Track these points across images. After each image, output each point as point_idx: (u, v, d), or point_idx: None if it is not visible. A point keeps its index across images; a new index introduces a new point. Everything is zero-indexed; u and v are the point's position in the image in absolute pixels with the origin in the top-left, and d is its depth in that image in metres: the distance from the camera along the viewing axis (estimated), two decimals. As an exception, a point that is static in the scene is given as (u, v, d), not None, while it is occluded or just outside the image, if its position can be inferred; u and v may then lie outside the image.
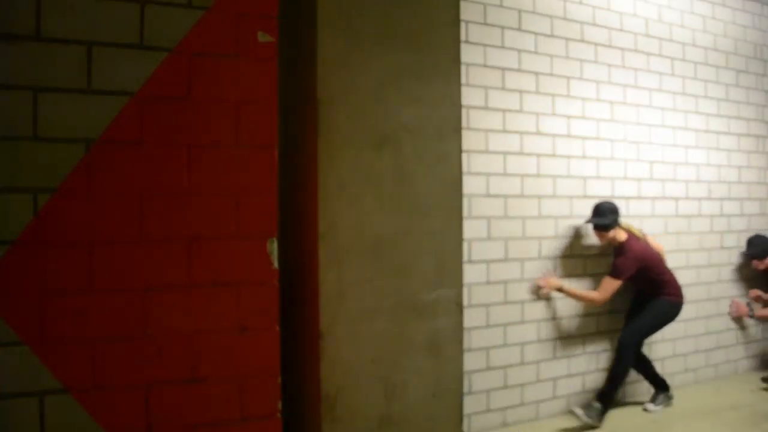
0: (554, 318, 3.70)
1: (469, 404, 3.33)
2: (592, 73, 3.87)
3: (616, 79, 3.98)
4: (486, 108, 3.47)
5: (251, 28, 1.66)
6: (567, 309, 3.74)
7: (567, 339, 3.74)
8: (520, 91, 3.59)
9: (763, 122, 4.76)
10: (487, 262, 3.46)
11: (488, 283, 3.46)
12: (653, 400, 3.82)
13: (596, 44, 3.89)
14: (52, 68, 1.46)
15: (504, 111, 3.54)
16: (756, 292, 4.38)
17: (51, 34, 1.46)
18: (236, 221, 1.63)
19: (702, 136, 4.41)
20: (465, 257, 3.33)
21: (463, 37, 3.24)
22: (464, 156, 3.30)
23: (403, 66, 2.08)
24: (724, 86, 4.52)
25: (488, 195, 3.47)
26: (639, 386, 4.01)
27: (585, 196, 3.83)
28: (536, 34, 3.65)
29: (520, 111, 3.59)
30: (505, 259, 3.52)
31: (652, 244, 3.78)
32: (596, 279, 3.81)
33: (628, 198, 4.01)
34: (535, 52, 3.65)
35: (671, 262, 4.17)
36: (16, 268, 1.42)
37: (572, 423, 3.53)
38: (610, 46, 3.95)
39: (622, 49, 4.00)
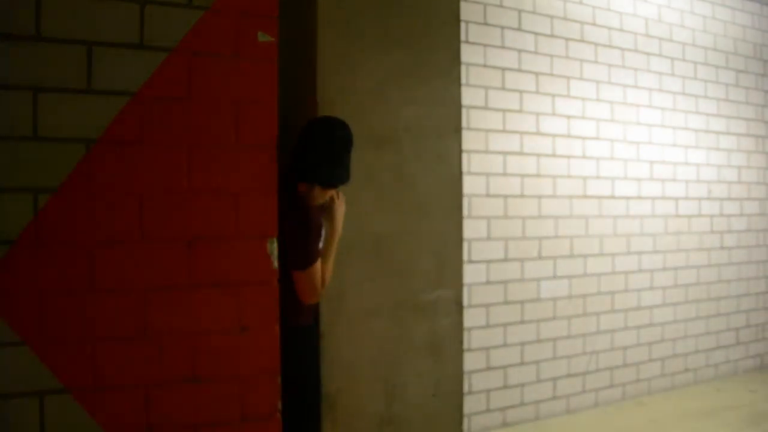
0: (554, 318, 3.70)
1: (469, 404, 3.33)
2: (592, 73, 3.87)
3: (616, 79, 3.97)
4: (486, 108, 3.47)
5: (251, 28, 1.66)
6: (567, 309, 3.74)
7: (567, 339, 3.74)
8: (520, 91, 3.59)
9: (763, 122, 4.76)
10: (487, 262, 3.46)
11: (488, 283, 3.46)
12: None
13: (596, 44, 3.89)
14: (52, 68, 1.46)
15: (504, 111, 3.53)
16: None
17: (51, 34, 1.46)
18: (236, 221, 1.63)
19: (702, 136, 4.41)
20: (465, 257, 3.33)
21: (463, 37, 3.23)
22: (464, 156, 3.29)
23: (403, 66, 2.09)
24: (724, 86, 4.52)
25: (488, 195, 3.47)
26: (638, 385, 4.01)
27: (585, 196, 3.83)
28: (536, 34, 3.65)
29: (520, 111, 3.59)
30: (505, 259, 3.52)
31: None
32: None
33: (628, 198, 4.01)
34: (535, 52, 3.64)
35: (671, 261, 4.19)
36: (16, 268, 1.42)
37: (573, 423, 3.53)
38: (610, 46, 3.95)
39: (622, 49, 4.00)
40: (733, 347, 4.55)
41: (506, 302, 3.52)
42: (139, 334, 1.53)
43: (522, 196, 3.59)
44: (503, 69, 3.52)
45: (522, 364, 3.57)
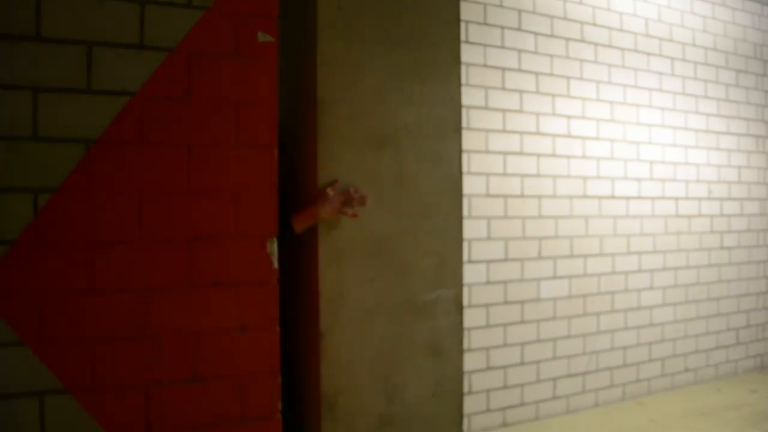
0: (554, 318, 3.70)
1: (469, 404, 3.33)
2: (592, 73, 3.87)
3: (616, 79, 3.98)
4: (486, 108, 3.47)
5: (251, 28, 1.66)
6: (567, 309, 3.75)
7: (567, 339, 3.74)
8: (520, 91, 3.59)
9: (763, 122, 4.76)
10: (487, 262, 3.46)
11: (488, 283, 3.46)
12: None
13: (596, 44, 3.89)
14: (52, 68, 1.46)
15: (504, 111, 3.54)
16: None
17: (51, 34, 1.46)
18: (236, 221, 1.63)
19: (702, 136, 4.41)
20: (465, 257, 3.33)
21: (463, 37, 3.24)
22: (464, 156, 3.29)
23: (403, 66, 2.08)
24: (724, 86, 4.52)
25: (488, 195, 3.47)
26: (638, 385, 4.01)
27: (585, 196, 3.83)
28: (536, 34, 3.65)
29: (520, 111, 3.59)
30: (505, 259, 3.52)
31: None
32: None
33: (628, 198, 4.01)
34: (535, 52, 3.64)
35: (671, 261, 4.19)
36: (16, 268, 1.42)
37: (573, 423, 3.52)
38: (610, 46, 3.95)
39: (622, 49, 4.00)
40: (733, 347, 4.55)
41: (506, 302, 3.52)
42: (139, 334, 1.53)
43: (522, 196, 3.59)
44: (503, 69, 3.53)
45: (522, 364, 3.57)
